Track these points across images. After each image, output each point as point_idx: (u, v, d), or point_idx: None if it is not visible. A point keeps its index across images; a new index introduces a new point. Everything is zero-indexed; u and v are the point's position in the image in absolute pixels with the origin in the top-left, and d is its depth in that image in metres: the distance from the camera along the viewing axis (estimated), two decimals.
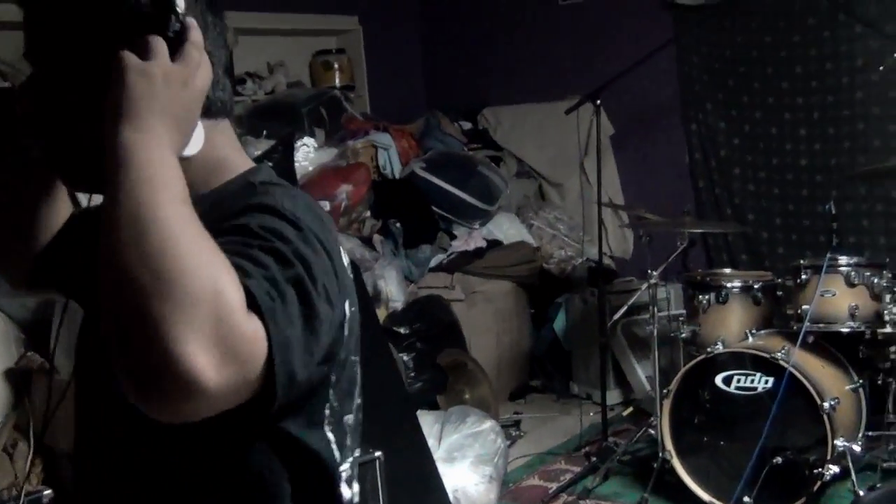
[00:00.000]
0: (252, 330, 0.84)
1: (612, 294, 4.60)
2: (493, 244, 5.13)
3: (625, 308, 3.94)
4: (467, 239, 5.08)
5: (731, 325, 3.70)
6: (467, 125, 6.08)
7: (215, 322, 0.80)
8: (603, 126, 5.46)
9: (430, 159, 5.30)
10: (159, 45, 0.94)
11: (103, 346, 1.12)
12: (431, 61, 6.57)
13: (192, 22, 0.97)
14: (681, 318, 3.85)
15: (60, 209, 1.31)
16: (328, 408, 1.08)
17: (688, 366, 3.50)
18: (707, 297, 3.76)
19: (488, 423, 3.67)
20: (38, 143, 1.12)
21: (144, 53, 0.93)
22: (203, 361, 0.79)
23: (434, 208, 5.09)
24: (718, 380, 3.42)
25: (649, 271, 3.80)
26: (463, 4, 6.33)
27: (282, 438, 1.04)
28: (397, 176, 5.29)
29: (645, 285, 3.83)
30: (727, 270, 4.24)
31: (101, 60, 0.95)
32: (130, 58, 0.92)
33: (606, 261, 5.18)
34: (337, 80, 5.89)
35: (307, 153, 4.90)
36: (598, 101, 3.92)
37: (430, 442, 3.42)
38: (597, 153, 3.98)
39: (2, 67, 4.56)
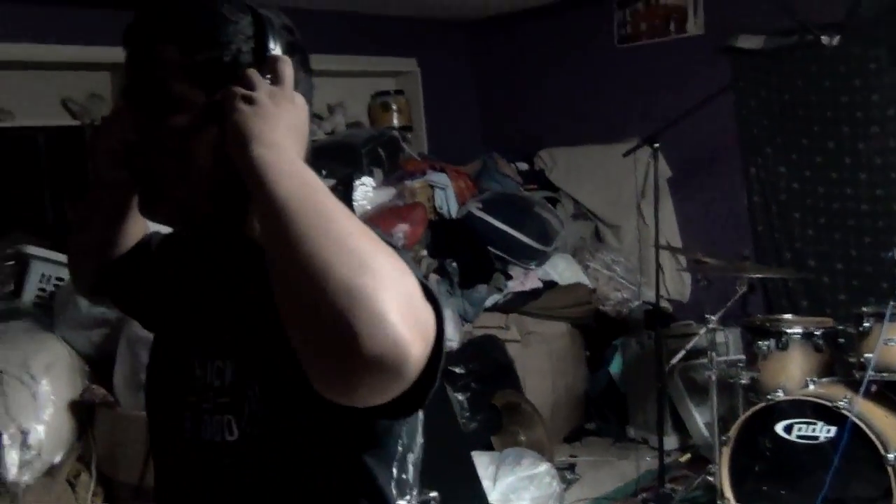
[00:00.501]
0: (429, 313, 0.88)
1: (670, 338, 4.56)
2: (549, 285, 5.12)
3: (683, 352, 3.90)
4: (523, 279, 5.07)
5: (792, 371, 3.65)
6: (524, 166, 6.10)
7: (408, 298, 0.85)
8: (660, 168, 5.47)
9: (486, 199, 5.32)
10: (257, 75, 1.02)
11: (176, 376, 1.15)
12: (488, 102, 6.62)
13: (284, 57, 1.05)
14: (740, 364, 3.81)
15: (133, 230, 1.37)
16: (400, 444, 1.10)
17: (748, 413, 3.45)
18: (767, 343, 3.72)
19: (544, 466, 3.65)
20: (117, 174, 1.19)
21: (249, 86, 1.01)
22: (407, 334, 0.82)
23: (490, 248, 5.10)
24: (779, 428, 3.37)
25: (707, 316, 3.77)
26: (519, 46, 6.39)
27: (361, 472, 1.07)
28: (454, 216, 5.32)
29: (703, 330, 3.79)
30: (787, 316, 4.19)
31: (205, 102, 1.04)
32: (238, 89, 1.00)
33: (663, 304, 5.15)
34: (395, 121, 5.97)
35: (366, 192, 4.96)
36: (657, 145, 3.90)
37: (485, 483, 3.41)
38: (654, 196, 3.96)
39: (73, 107, 4.70)
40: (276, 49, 1.05)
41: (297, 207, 0.88)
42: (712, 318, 3.73)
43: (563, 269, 5.25)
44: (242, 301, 1.11)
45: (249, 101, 0.98)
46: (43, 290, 3.95)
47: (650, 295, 5.35)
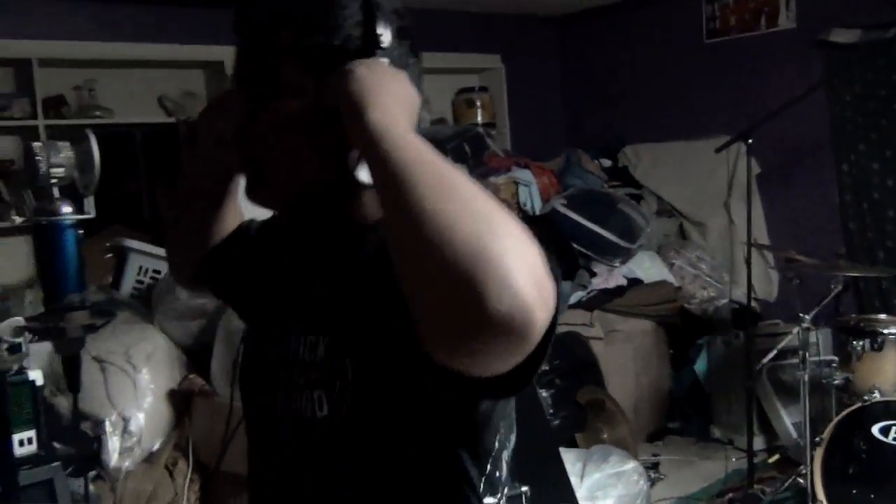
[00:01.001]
0: (550, 283, 0.85)
1: (758, 337, 4.48)
2: (634, 282, 5.09)
3: (775, 352, 3.84)
4: (607, 277, 5.05)
5: (887, 373, 3.56)
6: (607, 163, 6.07)
7: (532, 264, 0.83)
8: (750, 165, 5.40)
9: (570, 196, 5.31)
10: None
11: (271, 353, 1.16)
12: (571, 99, 6.60)
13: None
14: (833, 365, 3.73)
15: (231, 217, 1.40)
16: (497, 440, 1.10)
17: (843, 413, 3.39)
18: (861, 343, 3.64)
19: (631, 464, 3.63)
20: (220, 159, 1.22)
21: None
22: (533, 297, 0.81)
23: (574, 245, 5.08)
24: (875, 430, 3.30)
25: (801, 315, 3.70)
26: (604, 41, 6.35)
27: (455, 467, 1.08)
28: (538, 212, 5.32)
29: (796, 329, 3.73)
30: (882, 316, 4.08)
31: (316, 86, 1.05)
32: (351, 64, 1.01)
33: (752, 303, 5.06)
34: (479, 118, 5.99)
35: None
36: (750, 141, 3.85)
37: (573, 480, 3.41)
38: (747, 194, 3.89)
39: (168, 104, 4.83)
40: (385, 34, 1.06)
41: (418, 170, 0.87)
42: (806, 317, 3.67)
43: (647, 267, 5.21)
44: (339, 280, 1.12)
45: (362, 74, 1.00)
46: (140, 282, 4.08)
47: (736, 293, 5.28)
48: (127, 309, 3.85)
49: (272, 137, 1.08)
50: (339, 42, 1.05)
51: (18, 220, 3.83)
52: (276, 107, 1.07)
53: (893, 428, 3.27)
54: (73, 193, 1.39)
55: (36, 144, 1.22)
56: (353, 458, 1.08)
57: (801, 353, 3.71)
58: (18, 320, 1.29)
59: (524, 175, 5.38)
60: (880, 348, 3.60)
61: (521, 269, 0.81)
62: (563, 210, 5.18)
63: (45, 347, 3.57)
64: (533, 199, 5.37)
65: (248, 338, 1.29)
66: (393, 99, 0.98)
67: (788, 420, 4.53)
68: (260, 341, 1.25)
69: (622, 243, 5.13)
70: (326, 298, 1.13)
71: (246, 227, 1.42)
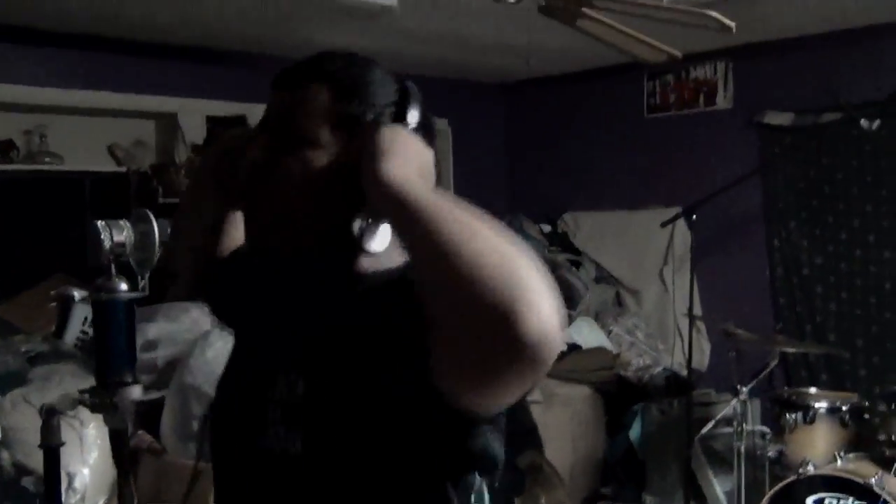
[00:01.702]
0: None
1: (695, 406, 4.60)
2: (573, 348, 5.19)
3: (713, 423, 3.96)
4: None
5: (819, 446, 3.69)
6: (548, 228, 6.21)
7: (552, 291, 0.90)
8: (683, 235, 5.59)
9: None
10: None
11: (249, 386, 1.18)
12: (516, 163, 6.74)
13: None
14: (766, 436, 3.86)
15: (235, 236, 1.43)
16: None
17: (778, 486, 3.50)
18: (794, 416, 3.77)
19: None
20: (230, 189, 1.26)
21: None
22: (557, 324, 0.89)
23: None
24: (810, 502, 3.41)
25: (738, 387, 3.83)
26: (550, 110, 6.53)
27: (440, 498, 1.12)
28: None
29: (734, 401, 3.85)
30: (813, 390, 4.24)
31: (339, 145, 1.13)
32: (378, 126, 1.10)
33: (684, 371, 5.21)
34: None
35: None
36: (694, 217, 4.00)
37: None
38: (690, 267, 4.03)
39: (118, 153, 4.81)
40: (413, 117, 1.15)
41: (444, 210, 0.94)
42: (743, 389, 3.80)
43: (586, 333, 5.32)
44: (325, 319, 1.16)
45: (385, 131, 1.08)
46: (85, 332, 4.02)
47: (669, 361, 5.43)
48: (71, 360, 3.79)
49: (288, 185, 1.14)
50: (372, 117, 1.14)
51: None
52: (299, 154, 1.13)
53: (827, 500, 3.39)
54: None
55: (100, 223, 1.25)
56: (324, 497, 1.11)
57: (736, 424, 3.83)
58: (73, 393, 1.30)
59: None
60: (812, 421, 3.73)
61: (544, 296, 0.89)
62: None
63: None
64: None
65: (231, 360, 1.32)
66: (411, 156, 1.06)
67: (720, 489, 4.64)
68: (239, 368, 1.29)
69: (562, 309, 5.23)
70: (310, 337, 1.16)
71: (240, 250, 1.44)
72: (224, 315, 1.46)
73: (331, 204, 1.13)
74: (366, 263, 1.16)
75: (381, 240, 1.13)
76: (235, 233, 1.42)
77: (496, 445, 1.12)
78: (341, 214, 1.11)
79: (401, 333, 1.04)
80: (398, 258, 1.17)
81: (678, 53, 2.98)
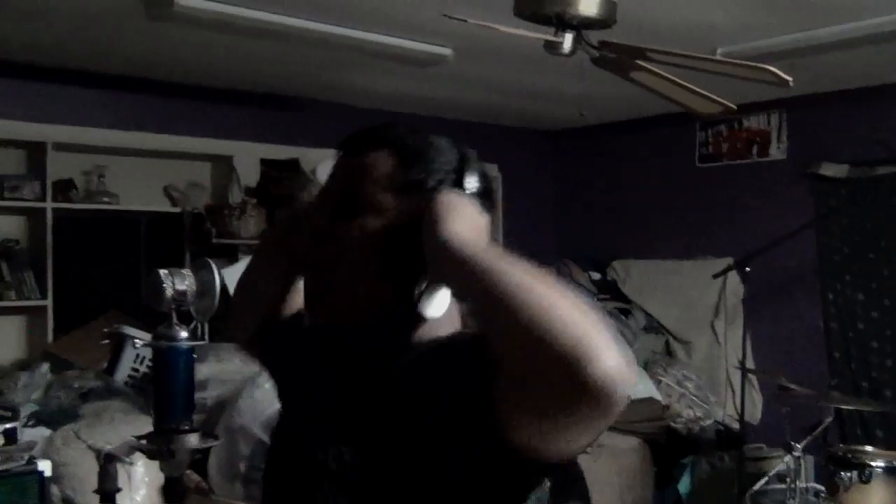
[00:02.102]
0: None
1: (747, 461, 4.52)
2: None
3: (765, 479, 3.88)
4: None
5: None
6: (596, 275, 6.17)
7: (614, 335, 0.91)
8: (735, 286, 5.53)
9: None
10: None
11: (298, 456, 1.18)
12: (565, 210, 6.74)
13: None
14: (821, 494, 3.77)
15: (297, 300, 1.42)
16: None
17: None
18: (850, 474, 3.68)
19: None
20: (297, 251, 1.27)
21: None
22: (625, 364, 0.89)
23: None
24: None
25: (792, 443, 3.75)
26: (600, 157, 6.53)
27: None
28: None
29: (787, 457, 3.77)
30: (870, 448, 4.14)
31: (398, 210, 1.14)
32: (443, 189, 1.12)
33: (735, 424, 5.13)
34: None
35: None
36: (747, 268, 3.96)
37: None
38: (743, 320, 4.00)
39: (174, 193, 4.89)
40: (471, 183, 1.17)
41: (501, 264, 0.96)
42: (797, 445, 3.72)
43: (635, 383, 5.25)
44: (377, 389, 1.16)
45: (449, 194, 1.10)
46: (136, 370, 4.07)
47: (720, 414, 5.35)
48: (122, 397, 3.84)
49: (349, 251, 1.15)
50: (433, 184, 1.15)
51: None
52: (359, 221, 1.14)
53: None
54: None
55: (163, 271, 1.28)
56: None
57: (789, 481, 3.75)
58: (132, 440, 1.31)
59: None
60: (868, 480, 3.64)
61: (611, 340, 0.90)
62: None
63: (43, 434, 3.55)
64: None
65: (280, 425, 1.33)
66: (469, 219, 1.07)
67: None
68: (288, 436, 1.28)
69: (629, 353, 5.17)
70: (362, 406, 1.17)
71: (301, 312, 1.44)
72: (276, 375, 1.46)
73: (390, 270, 1.14)
74: (419, 331, 1.17)
75: (439, 306, 1.14)
76: (298, 297, 1.43)
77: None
78: (400, 280, 1.12)
79: (460, 396, 1.04)
80: (450, 327, 1.18)
81: (733, 106, 2.97)
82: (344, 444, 1.15)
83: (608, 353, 0.89)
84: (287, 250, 1.36)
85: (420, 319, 1.14)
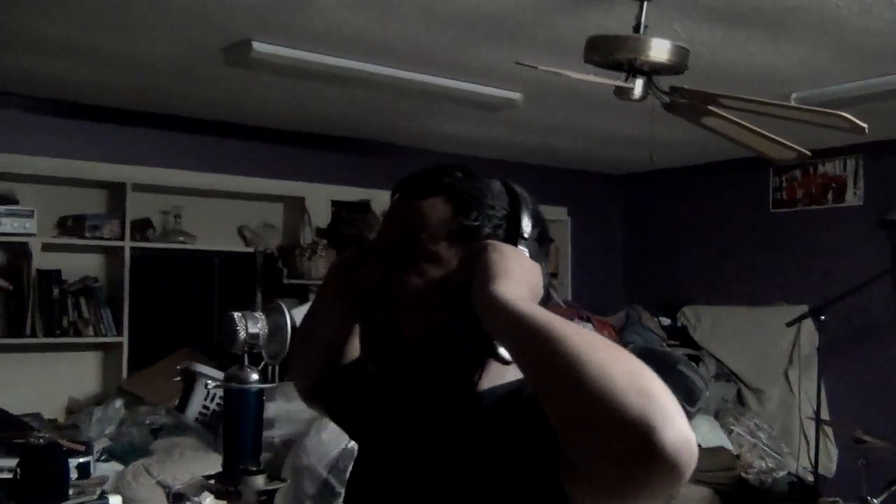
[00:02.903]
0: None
1: None
2: None
3: None
4: None
5: None
6: (666, 321, 6.09)
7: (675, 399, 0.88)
8: (810, 335, 5.40)
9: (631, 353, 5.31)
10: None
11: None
12: (634, 254, 6.69)
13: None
14: None
15: (355, 346, 1.42)
16: None
17: None
18: None
19: None
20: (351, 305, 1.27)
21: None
22: (691, 433, 0.86)
23: None
24: None
25: (868, 497, 3.63)
26: (668, 202, 6.48)
27: None
28: None
29: None
30: None
31: (455, 259, 1.12)
32: (490, 242, 1.08)
33: (809, 476, 4.99)
34: None
35: None
36: (822, 317, 3.87)
37: None
38: (818, 369, 3.89)
39: (247, 234, 4.98)
40: (527, 226, 1.14)
41: (558, 326, 0.93)
42: (874, 501, 3.60)
43: (705, 432, 5.15)
44: (446, 442, 1.14)
45: (501, 249, 1.07)
46: (206, 407, 4.13)
47: (794, 466, 5.21)
48: (192, 434, 3.89)
49: (408, 301, 1.13)
50: (489, 230, 1.13)
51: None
52: (415, 271, 1.13)
53: None
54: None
55: (236, 314, 1.31)
56: None
57: None
58: (200, 480, 1.34)
59: (586, 328, 5.41)
60: None
61: (676, 406, 0.86)
62: None
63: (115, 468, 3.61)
64: None
65: (357, 469, 1.32)
66: (520, 275, 1.04)
67: None
68: (366, 486, 1.27)
69: (681, 405, 5.08)
70: (432, 457, 1.15)
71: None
72: (344, 425, 1.46)
73: (451, 317, 1.12)
74: (486, 377, 1.15)
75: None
76: (357, 342, 1.42)
77: None
78: (461, 327, 1.10)
79: (527, 455, 1.02)
80: (516, 371, 1.14)
81: (807, 153, 2.93)
82: (421, 491, 1.14)
83: (677, 419, 0.85)
84: (341, 300, 1.35)
85: (486, 365, 1.13)
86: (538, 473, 0.98)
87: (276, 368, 1.43)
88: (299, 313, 1.66)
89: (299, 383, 1.51)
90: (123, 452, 3.71)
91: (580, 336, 0.92)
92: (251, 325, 1.33)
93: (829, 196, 5.48)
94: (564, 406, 0.92)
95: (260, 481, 1.27)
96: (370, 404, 1.32)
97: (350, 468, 1.31)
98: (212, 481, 1.26)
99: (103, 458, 3.63)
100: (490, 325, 1.02)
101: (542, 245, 1.18)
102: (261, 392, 1.34)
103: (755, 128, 2.88)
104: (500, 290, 1.01)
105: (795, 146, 2.91)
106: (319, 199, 5.16)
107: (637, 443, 0.84)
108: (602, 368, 0.88)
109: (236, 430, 1.31)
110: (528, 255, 1.12)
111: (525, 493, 1.01)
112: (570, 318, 5.41)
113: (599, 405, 0.87)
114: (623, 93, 2.73)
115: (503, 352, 1.10)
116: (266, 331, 1.34)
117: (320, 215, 5.13)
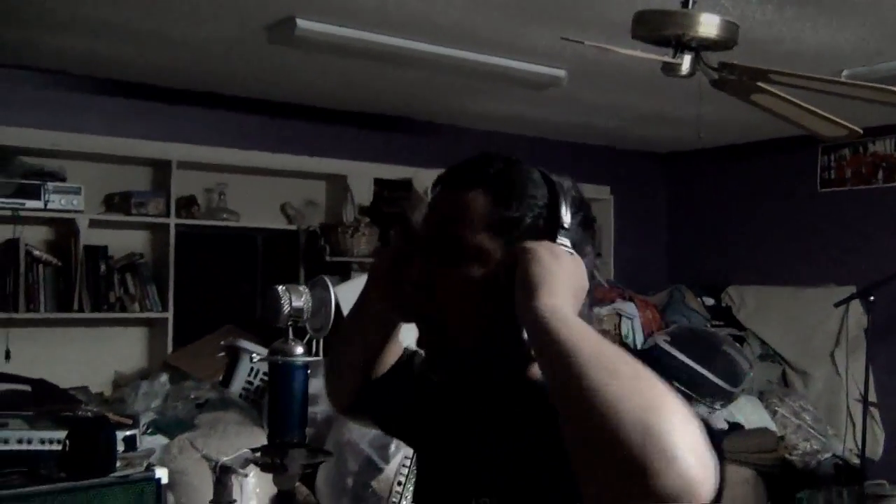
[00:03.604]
0: (713, 460, 0.86)
1: (867, 498, 4.34)
2: (734, 427, 4.99)
3: None
4: (707, 419, 4.96)
5: None
6: (710, 301, 6.03)
7: (696, 441, 0.84)
8: (857, 316, 5.33)
9: (674, 333, 5.28)
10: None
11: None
12: (678, 234, 6.63)
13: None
14: None
15: (393, 350, 1.42)
16: None
17: None
18: None
19: None
20: (390, 307, 1.26)
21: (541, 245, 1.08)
22: (698, 474, 0.83)
23: (675, 384, 5.03)
24: None
25: None
26: (716, 181, 6.40)
27: None
28: (639, 346, 5.30)
29: None
30: None
31: (501, 254, 1.10)
32: (532, 243, 1.06)
33: (855, 459, 4.93)
34: None
35: None
36: (872, 298, 3.81)
37: None
38: (866, 351, 3.84)
39: (290, 212, 5.01)
40: (567, 216, 1.12)
41: (584, 349, 0.91)
42: None
43: (749, 413, 5.11)
44: (508, 440, 1.13)
45: (540, 256, 1.05)
46: (250, 382, 4.17)
47: (840, 448, 5.15)
48: (236, 409, 3.94)
49: (451, 300, 1.12)
50: (531, 221, 1.11)
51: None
52: (460, 269, 1.11)
53: None
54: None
55: (280, 288, 1.31)
56: None
57: None
58: (247, 452, 1.35)
59: (628, 308, 5.39)
60: None
61: (685, 447, 0.83)
62: (666, 347, 5.15)
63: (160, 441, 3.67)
64: (635, 333, 5.36)
65: (420, 471, 1.31)
66: (565, 284, 1.02)
67: None
68: (428, 487, 1.27)
69: (725, 386, 5.06)
70: (494, 458, 1.14)
71: (408, 360, 1.43)
72: (401, 435, 1.45)
73: (502, 313, 1.09)
74: (533, 368, 1.13)
75: None
76: (396, 347, 1.43)
77: None
78: (508, 321, 1.08)
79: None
80: None
81: (859, 130, 2.86)
82: (485, 494, 1.12)
83: (683, 460, 0.82)
84: (387, 300, 1.31)
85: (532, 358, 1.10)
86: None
87: (321, 342, 1.42)
88: (342, 290, 1.66)
89: (336, 395, 1.47)
90: (169, 426, 3.76)
91: (604, 362, 0.90)
92: (295, 298, 1.34)
93: (880, 176, 5.38)
94: (572, 431, 0.91)
95: (305, 454, 1.28)
96: (429, 411, 1.30)
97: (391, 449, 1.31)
98: (257, 454, 1.26)
99: (149, 431, 3.68)
100: (529, 340, 1.01)
101: (585, 230, 1.16)
102: (306, 365, 1.34)
103: (806, 105, 2.83)
104: (538, 306, 0.99)
105: (846, 123, 2.85)
106: (362, 177, 5.16)
107: (631, 484, 0.83)
108: (613, 403, 0.86)
109: (281, 403, 1.31)
110: (569, 244, 1.10)
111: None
112: (612, 300, 5.40)
113: (601, 441, 0.86)
114: (671, 69, 2.69)
115: None
116: (310, 304, 1.34)
117: (363, 193, 5.14)
